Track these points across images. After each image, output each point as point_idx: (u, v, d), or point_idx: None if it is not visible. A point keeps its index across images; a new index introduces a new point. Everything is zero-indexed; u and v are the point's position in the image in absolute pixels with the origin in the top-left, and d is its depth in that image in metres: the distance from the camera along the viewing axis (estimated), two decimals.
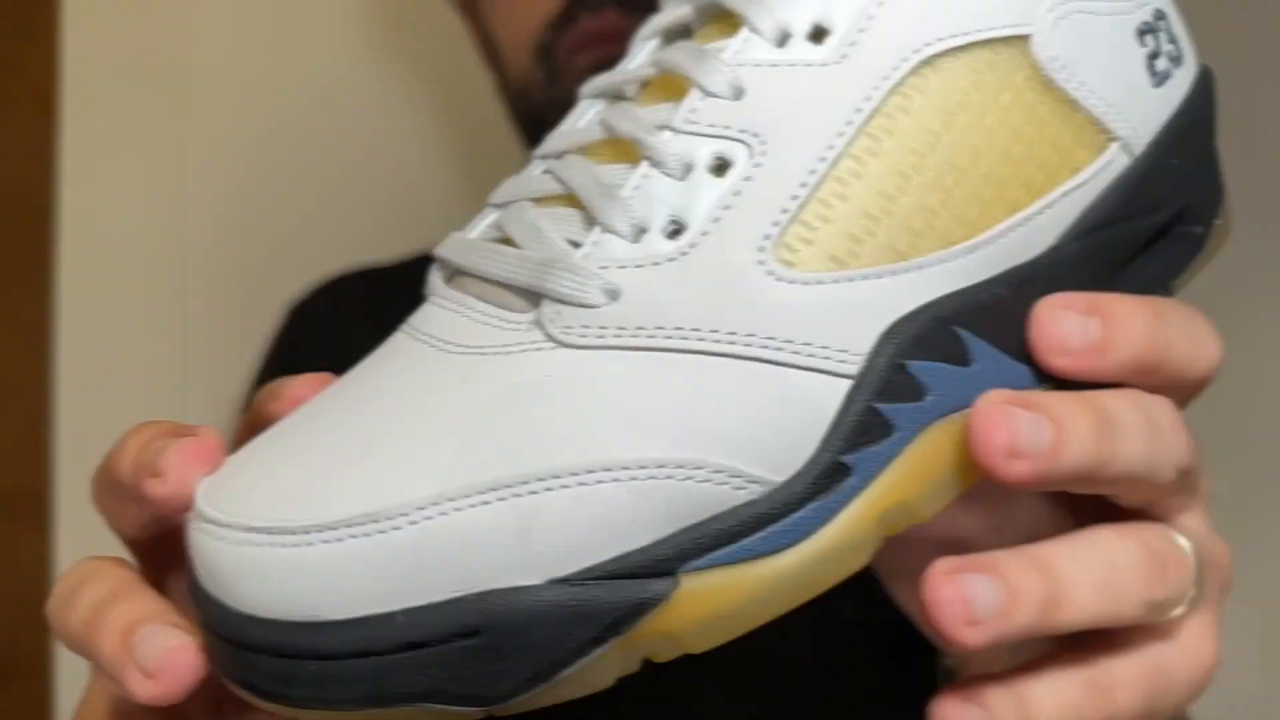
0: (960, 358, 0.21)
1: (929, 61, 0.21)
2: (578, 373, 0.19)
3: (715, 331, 0.19)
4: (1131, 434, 0.20)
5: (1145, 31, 0.24)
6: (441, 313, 0.22)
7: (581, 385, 0.19)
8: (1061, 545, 0.21)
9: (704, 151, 0.20)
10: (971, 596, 0.19)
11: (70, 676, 0.74)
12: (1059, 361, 0.21)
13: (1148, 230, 0.24)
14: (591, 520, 0.18)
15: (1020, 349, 0.22)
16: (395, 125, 0.75)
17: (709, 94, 0.21)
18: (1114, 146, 0.23)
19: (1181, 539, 0.21)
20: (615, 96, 0.24)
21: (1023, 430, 0.19)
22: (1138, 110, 0.24)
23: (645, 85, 0.23)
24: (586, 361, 0.19)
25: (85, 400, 0.69)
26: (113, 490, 0.22)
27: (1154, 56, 0.24)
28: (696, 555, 0.18)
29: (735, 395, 0.19)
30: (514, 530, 0.18)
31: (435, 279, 0.23)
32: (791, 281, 0.20)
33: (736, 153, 0.20)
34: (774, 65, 0.21)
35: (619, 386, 0.19)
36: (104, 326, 0.70)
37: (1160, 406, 0.21)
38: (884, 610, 0.27)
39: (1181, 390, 0.23)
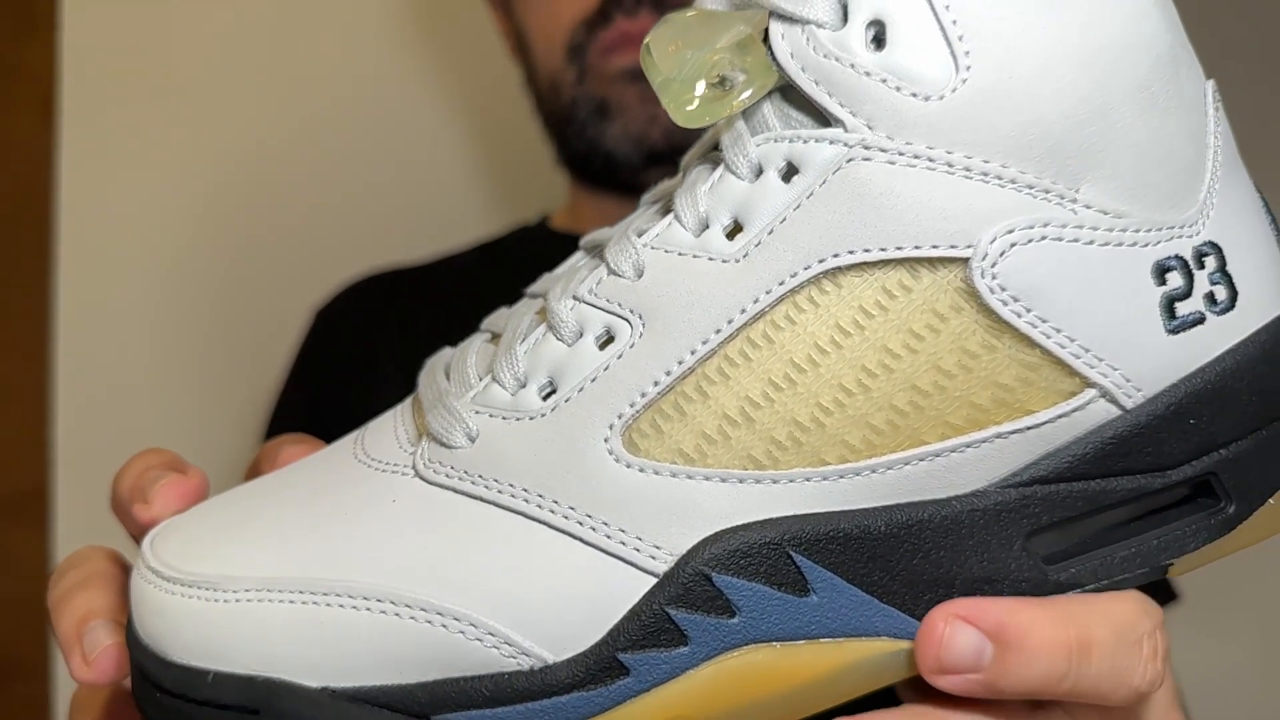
0: (793, 585, 0.19)
1: (832, 274, 0.20)
2: (417, 506, 0.21)
3: (542, 497, 0.20)
4: None
5: (1169, 269, 0.21)
6: (389, 419, 0.24)
7: (412, 518, 0.21)
8: None
9: (596, 323, 0.21)
10: None
11: (70, 677, 0.81)
12: (939, 681, 0.19)
13: (1134, 494, 0.21)
14: (369, 645, 0.20)
15: (899, 597, 0.20)
16: (410, 122, 0.72)
17: (613, 271, 0.21)
18: (1089, 393, 0.20)
19: None
20: (595, 254, 0.25)
21: None
22: (1134, 357, 0.20)
23: None
24: (429, 497, 0.21)
25: (85, 400, 0.68)
26: (116, 501, 0.27)
27: (1178, 298, 0.21)
28: (450, 709, 0.19)
29: (537, 565, 0.20)
30: (305, 633, 0.20)
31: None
32: (629, 466, 0.20)
33: (621, 329, 0.21)
34: (680, 254, 0.21)
35: (441, 529, 0.20)
36: (104, 326, 0.69)
37: None
38: None
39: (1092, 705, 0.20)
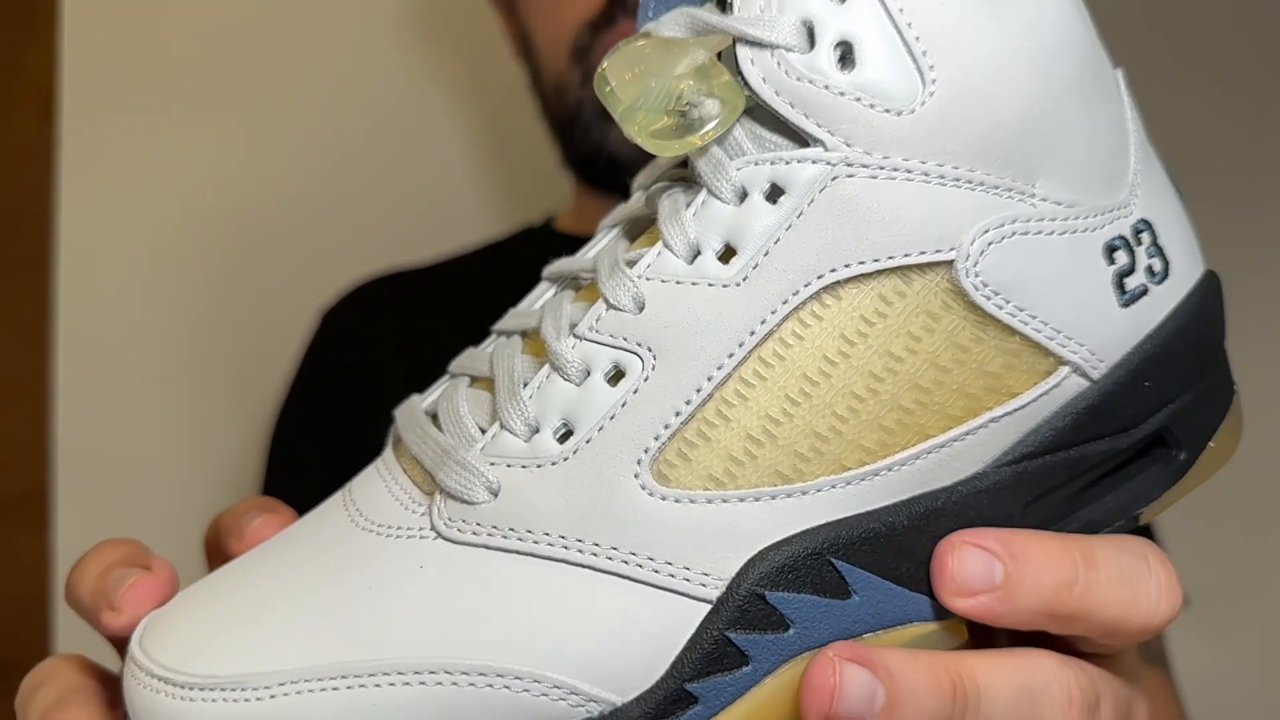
0: (836, 590, 0.20)
1: (831, 288, 0.21)
2: (448, 569, 0.20)
3: (581, 541, 0.20)
4: (996, 716, 0.19)
5: (1116, 248, 0.23)
6: (375, 479, 0.24)
7: (447, 583, 0.20)
8: None
9: (603, 359, 0.21)
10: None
11: None
12: (958, 604, 0.21)
13: (1107, 455, 0.23)
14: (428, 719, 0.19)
15: (924, 583, 0.21)
16: (415, 124, 0.73)
17: (612, 306, 0.21)
18: (1063, 370, 0.22)
19: None
20: (566, 284, 0.25)
21: (848, 691, 0.18)
22: (1096, 332, 0.22)
23: (587, 280, 0.24)
24: (459, 558, 0.20)
25: (85, 400, 0.69)
26: (78, 605, 0.25)
27: (1125, 274, 0.23)
28: None
29: (589, 610, 0.20)
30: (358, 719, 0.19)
31: (390, 439, 0.25)
32: (664, 498, 0.20)
33: (631, 364, 0.21)
34: (678, 282, 0.21)
35: (481, 589, 0.20)
36: (104, 327, 0.69)
37: (1054, 682, 0.20)
38: None
39: (1117, 640, 0.22)
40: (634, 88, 0.22)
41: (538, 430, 0.21)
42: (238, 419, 0.70)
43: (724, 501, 0.20)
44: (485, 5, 0.65)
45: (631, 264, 0.22)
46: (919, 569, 0.21)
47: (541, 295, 0.25)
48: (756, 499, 0.20)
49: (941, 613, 0.21)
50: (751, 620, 0.20)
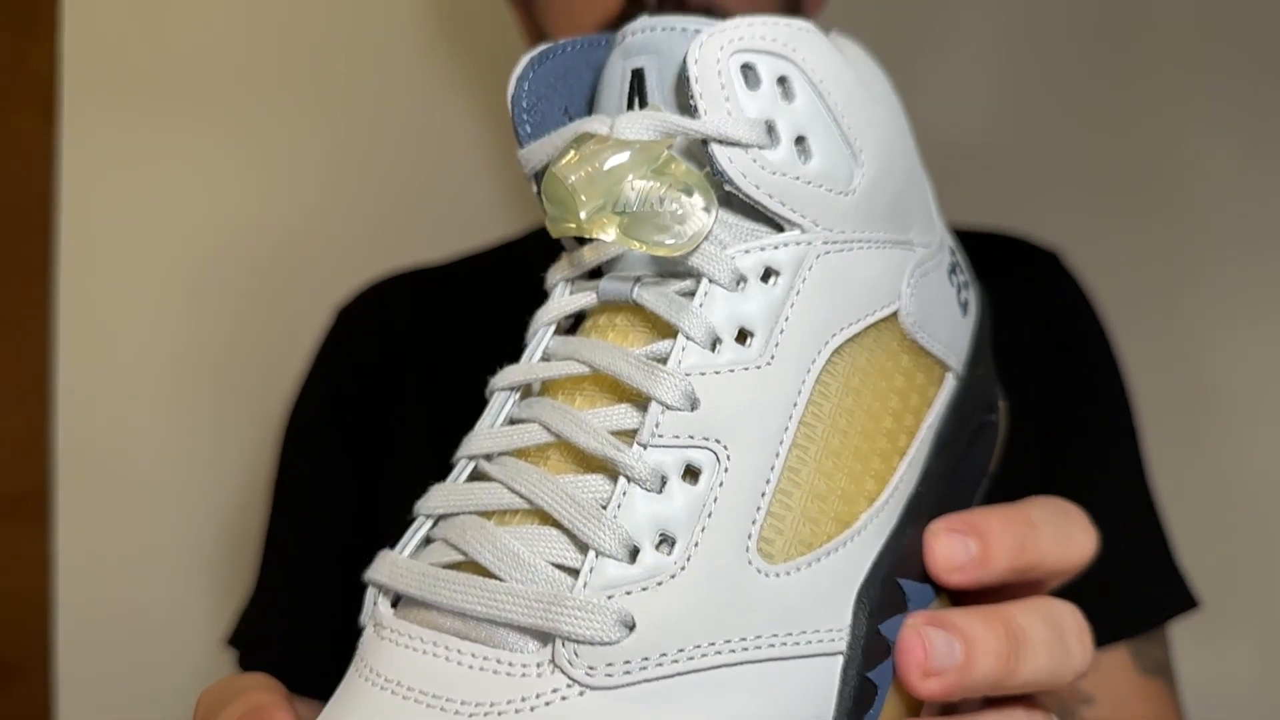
0: (901, 604, 0.24)
1: (837, 350, 0.24)
2: (616, 718, 0.20)
3: (728, 641, 0.21)
4: (1038, 649, 0.24)
5: (952, 271, 0.29)
6: (409, 655, 0.21)
7: None
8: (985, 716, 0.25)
9: (673, 462, 0.22)
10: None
11: (70, 676, 0.72)
12: (953, 579, 0.25)
13: (970, 432, 0.29)
14: None
15: (923, 575, 0.25)
16: (430, 122, 0.73)
17: (669, 407, 0.22)
18: (949, 375, 0.28)
19: None
20: (526, 393, 0.24)
21: (936, 649, 0.22)
22: (958, 341, 0.28)
23: (574, 383, 0.24)
24: (621, 704, 0.20)
25: (85, 400, 0.69)
26: None
27: (959, 290, 0.29)
28: None
29: (758, 702, 0.21)
30: None
31: (379, 608, 0.22)
32: (776, 575, 0.22)
33: (704, 460, 0.22)
34: (716, 372, 0.22)
35: None
36: (105, 327, 0.70)
37: (1068, 617, 0.25)
38: None
39: (1061, 577, 0.28)
40: (596, 187, 0.23)
41: (638, 549, 0.21)
42: (237, 419, 0.69)
43: (817, 561, 0.22)
44: (501, 3, 0.63)
45: (663, 360, 0.22)
46: (921, 564, 0.25)
47: (502, 409, 0.24)
48: (836, 550, 0.23)
49: (937, 594, 0.26)
50: (875, 655, 0.22)
